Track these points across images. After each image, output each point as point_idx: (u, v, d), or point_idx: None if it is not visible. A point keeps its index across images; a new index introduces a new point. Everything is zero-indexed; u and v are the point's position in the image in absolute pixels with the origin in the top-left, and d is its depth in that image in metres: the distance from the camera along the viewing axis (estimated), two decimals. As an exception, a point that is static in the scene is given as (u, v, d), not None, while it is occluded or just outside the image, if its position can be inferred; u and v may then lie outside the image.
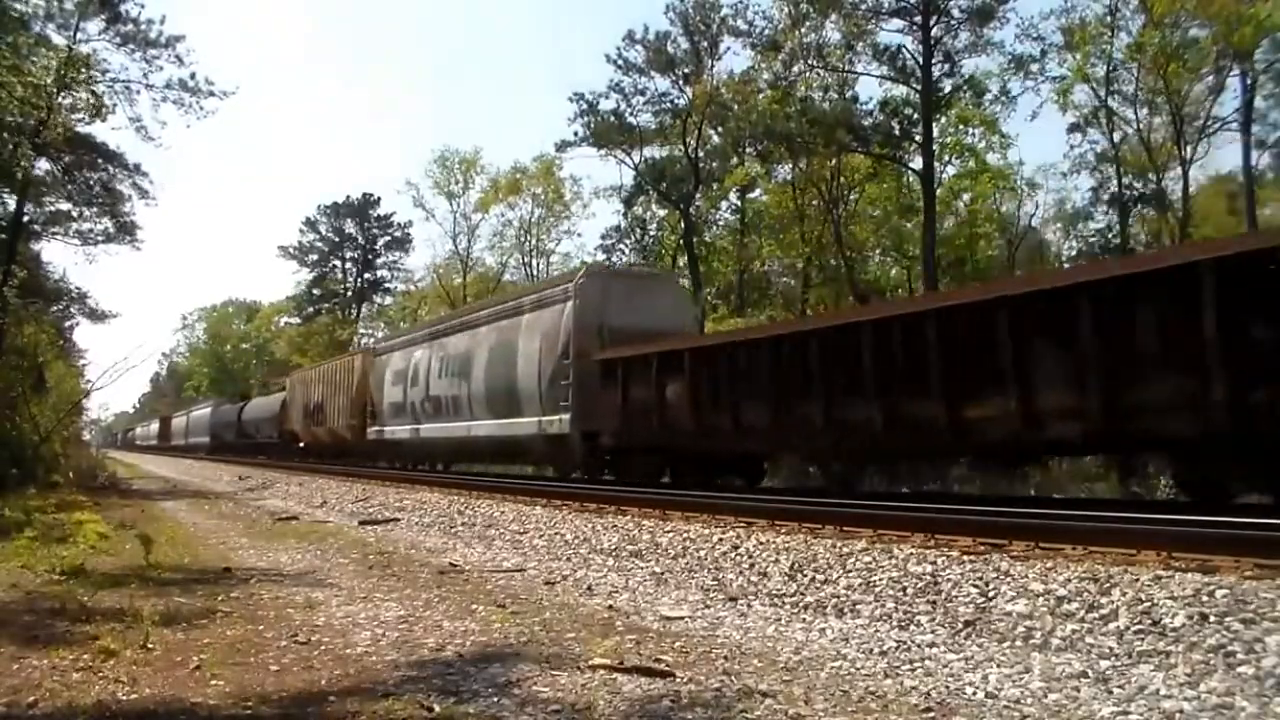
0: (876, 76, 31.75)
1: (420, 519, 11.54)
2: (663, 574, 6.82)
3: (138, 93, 24.20)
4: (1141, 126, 27.58)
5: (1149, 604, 4.37)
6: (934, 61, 29.68)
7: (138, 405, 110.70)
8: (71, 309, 31.99)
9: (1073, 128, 30.41)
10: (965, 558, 5.61)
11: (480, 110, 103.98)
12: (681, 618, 5.31)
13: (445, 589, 6.29)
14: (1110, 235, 31.72)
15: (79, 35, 23.58)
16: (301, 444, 30.00)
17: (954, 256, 31.68)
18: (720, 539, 7.30)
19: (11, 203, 23.33)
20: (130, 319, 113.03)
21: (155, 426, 71.10)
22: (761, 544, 6.88)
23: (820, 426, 9.50)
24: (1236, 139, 26.76)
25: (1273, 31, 23.27)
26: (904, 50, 30.33)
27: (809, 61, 31.56)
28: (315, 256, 63.60)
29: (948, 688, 3.77)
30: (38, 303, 24.56)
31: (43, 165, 23.55)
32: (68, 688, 3.68)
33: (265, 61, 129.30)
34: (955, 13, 29.58)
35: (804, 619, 5.27)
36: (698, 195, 37.21)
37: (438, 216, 57.40)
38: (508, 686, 3.70)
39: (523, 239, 43.69)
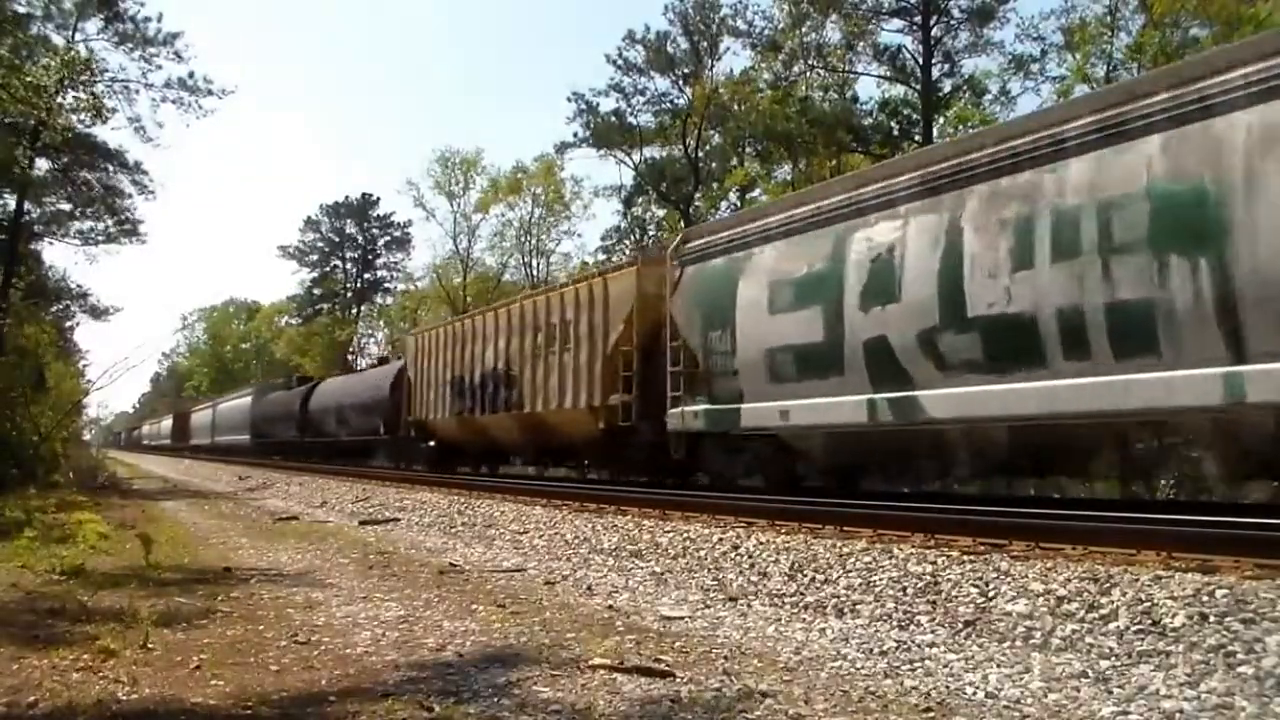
0: (876, 76, 31.83)
1: (420, 519, 11.54)
2: (663, 574, 6.82)
3: (137, 92, 24.40)
4: (1142, 126, 27.53)
5: (1149, 604, 4.37)
6: (934, 61, 29.75)
7: (138, 405, 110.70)
8: (72, 308, 32.11)
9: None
10: (965, 558, 5.61)
11: (481, 110, 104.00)
12: (681, 618, 5.31)
13: (445, 589, 6.29)
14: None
15: (77, 35, 23.68)
16: (433, 442, 19.06)
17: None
18: (720, 539, 7.30)
19: (12, 203, 23.41)
20: (131, 318, 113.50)
21: (168, 423, 61.87)
22: (761, 544, 6.88)
23: None
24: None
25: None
26: (904, 50, 30.40)
27: (809, 61, 31.62)
28: (315, 256, 63.76)
29: (948, 688, 3.77)
30: (38, 302, 24.59)
31: (43, 165, 23.64)
32: (68, 688, 3.67)
33: (265, 61, 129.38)
34: (955, 13, 29.67)
35: (804, 619, 5.26)
36: (698, 195, 37.23)
37: (438, 216, 57.48)
38: (508, 687, 3.70)
39: (523, 239, 43.72)
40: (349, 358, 44.46)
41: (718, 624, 5.14)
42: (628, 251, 40.84)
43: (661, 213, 39.73)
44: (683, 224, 36.14)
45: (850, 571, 5.84)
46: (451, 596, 5.97)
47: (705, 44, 36.23)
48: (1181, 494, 9.13)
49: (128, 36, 24.43)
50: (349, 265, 63.52)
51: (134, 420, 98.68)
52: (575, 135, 39.07)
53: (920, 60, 29.59)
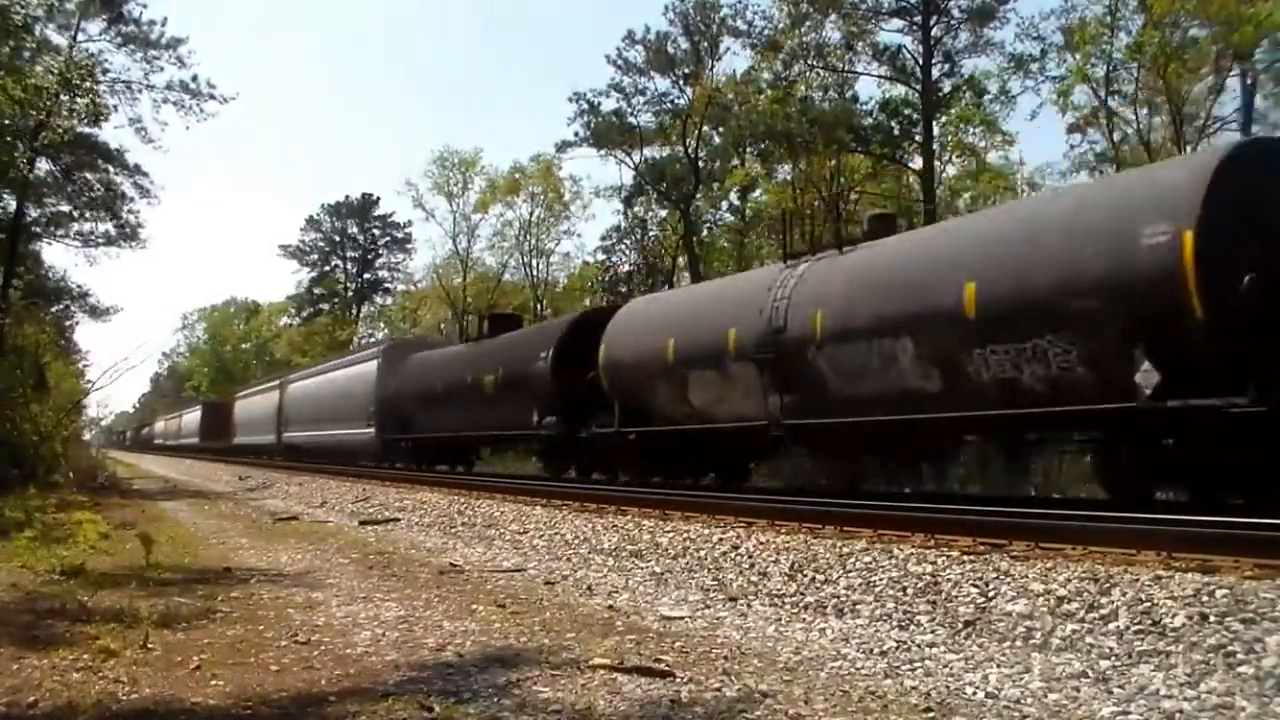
0: (876, 76, 31.76)
1: (420, 519, 11.54)
2: (663, 574, 6.82)
3: (139, 93, 24.32)
4: (1141, 126, 27.49)
5: (1149, 604, 4.37)
6: (934, 61, 29.67)
7: (138, 405, 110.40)
8: (72, 308, 32.03)
9: (1072, 128, 30.32)
10: (965, 558, 5.61)
11: (481, 110, 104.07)
12: (681, 618, 5.31)
13: (445, 589, 6.29)
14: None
15: (80, 35, 23.66)
16: None
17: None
18: (720, 539, 7.30)
19: (12, 204, 23.39)
20: (131, 318, 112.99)
21: (192, 417, 49.57)
22: (761, 544, 6.88)
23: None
24: (1236, 139, 26.65)
25: (1273, 31, 23.23)
26: (904, 50, 30.36)
27: (809, 61, 31.55)
28: (315, 256, 63.77)
29: (948, 688, 3.77)
30: (38, 302, 24.58)
31: (43, 166, 23.62)
32: (68, 688, 3.68)
33: (266, 61, 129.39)
34: (955, 13, 29.60)
35: (804, 619, 5.26)
36: (698, 195, 37.20)
37: (438, 216, 57.38)
38: (508, 687, 3.70)
39: (522, 239, 43.66)
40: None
41: (718, 624, 5.14)
42: (628, 251, 40.81)
43: (662, 213, 39.71)
44: (682, 224, 36.02)
45: (850, 571, 5.84)
46: (451, 596, 5.97)
47: (705, 44, 36.20)
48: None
49: (131, 38, 24.42)
50: (349, 265, 63.53)
51: (140, 418, 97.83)
52: (575, 135, 39.06)
53: (920, 60, 29.55)
